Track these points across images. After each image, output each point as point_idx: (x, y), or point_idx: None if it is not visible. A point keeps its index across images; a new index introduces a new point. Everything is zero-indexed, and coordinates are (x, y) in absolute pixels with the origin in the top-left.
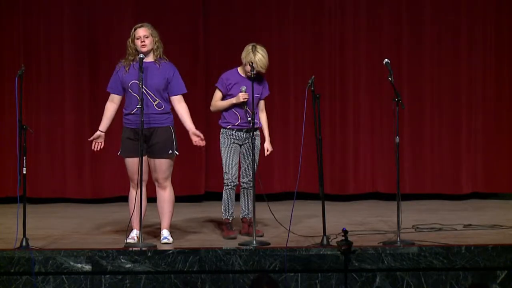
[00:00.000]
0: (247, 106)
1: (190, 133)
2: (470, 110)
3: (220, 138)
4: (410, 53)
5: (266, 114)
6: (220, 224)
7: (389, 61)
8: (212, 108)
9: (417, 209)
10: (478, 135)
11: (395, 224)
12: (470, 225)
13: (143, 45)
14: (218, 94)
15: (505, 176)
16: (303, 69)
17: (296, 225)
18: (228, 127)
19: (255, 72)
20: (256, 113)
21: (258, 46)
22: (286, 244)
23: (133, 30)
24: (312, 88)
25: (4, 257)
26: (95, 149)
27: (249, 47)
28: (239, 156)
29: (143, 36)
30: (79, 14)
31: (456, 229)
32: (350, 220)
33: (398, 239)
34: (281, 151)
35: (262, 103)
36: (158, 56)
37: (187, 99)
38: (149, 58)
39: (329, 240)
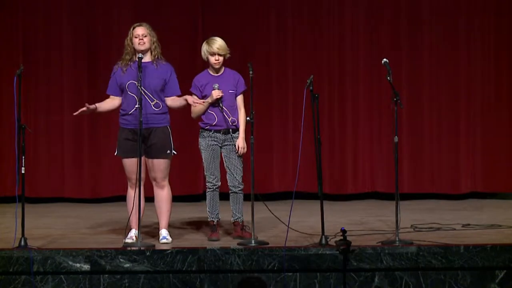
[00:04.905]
0: (222, 104)
1: (184, 98)
2: (468, 110)
3: (199, 140)
4: (409, 53)
5: (244, 111)
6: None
7: (387, 61)
8: (192, 115)
9: (415, 208)
10: (476, 134)
11: (393, 224)
12: (469, 224)
13: (140, 43)
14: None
15: (504, 176)
16: (301, 69)
17: (295, 224)
18: (206, 128)
19: (253, 73)
20: (234, 110)
21: (209, 38)
22: (285, 244)
23: (131, 29)
24: (311, 88)
25: (2, 257)
26: (76, 113)
27: (203, 44)
28: (220, 158)
29: (141, 35)
30: (78, 14)
31: (454, 229)
32: (349, 220)
33: (397, 239)
34: (280, 150)
35: (239, 100)
36: (156, 56)
37: None
38: (147, 58)
39: (328, 239)
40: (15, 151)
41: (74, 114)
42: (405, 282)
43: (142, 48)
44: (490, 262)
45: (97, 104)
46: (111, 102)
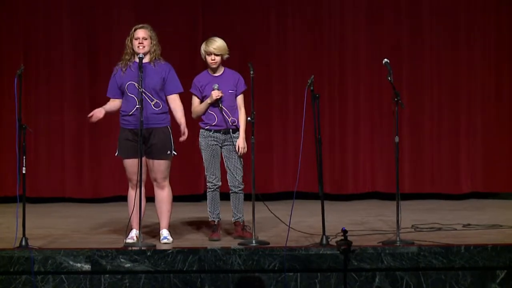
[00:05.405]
0: (222, 104)
1: (181, 126)
2: (469, 110)
3: (199, 140)
4: (410, 53)
5: (244, 111)
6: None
7: (388, 61)
8: (193, 115)
9: (416, 208)
10: (477, 134)
11: (394, 224)
12: (470, 224)
13: (140, 47)
14: (195, 100)
15: (504, 176)
16: (302, 69)
17: (295, 224)
18: (206, 127)
19: (253, 73)
20: (234, 110)
21: (209, 38)
22: (286, 244)
23: (133, 30)
24: (312, 88)
25: (3, 257)
26: (91, 119)
27: (202, 44)
28: (221, 158)
29: (142, 38)
30: (78, 14)
31: (455, 229)
32: (350, 220)
33: (398, 239)
34: (281, 150)
35: (239, 99)
36: (154, 58)
37: (186, 99)
38: (145, 59)
39: (329, 239)
40: (16, 151)
41: (90, 120)
42: (406, 282)
43: (141, 51)
44: (490, 262)
45: (104, 108)
46: (113, 103)
